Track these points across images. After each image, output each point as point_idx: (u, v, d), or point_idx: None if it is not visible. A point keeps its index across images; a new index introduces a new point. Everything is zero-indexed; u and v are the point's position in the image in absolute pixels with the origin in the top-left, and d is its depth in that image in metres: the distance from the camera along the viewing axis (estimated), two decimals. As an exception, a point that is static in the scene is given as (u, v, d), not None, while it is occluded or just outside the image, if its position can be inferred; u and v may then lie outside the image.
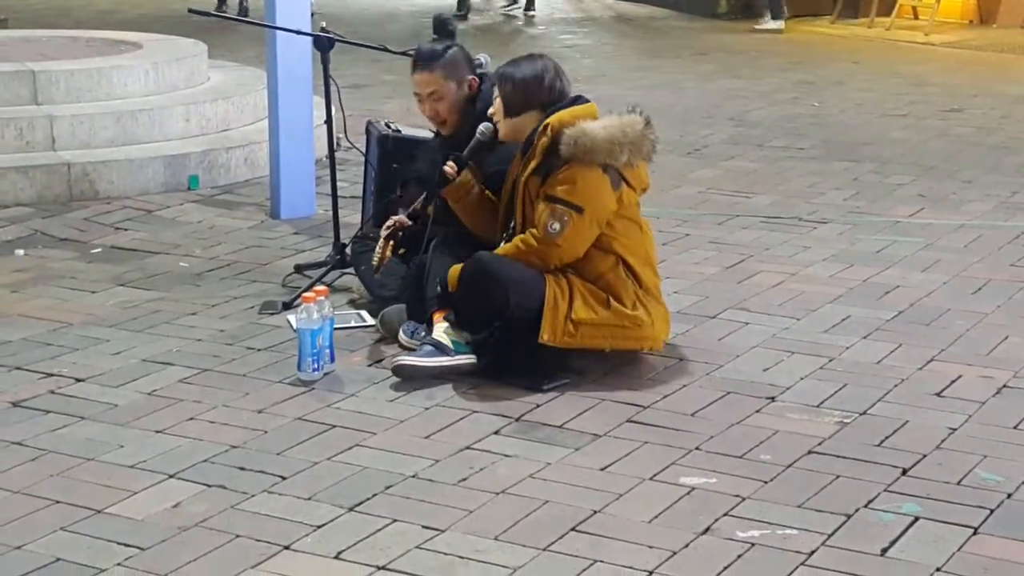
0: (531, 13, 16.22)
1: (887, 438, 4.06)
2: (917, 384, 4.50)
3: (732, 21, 15.73)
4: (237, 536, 3.42)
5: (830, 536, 3.45)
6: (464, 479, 3.76)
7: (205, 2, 13.54)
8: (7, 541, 3.38)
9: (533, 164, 4.47)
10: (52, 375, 4.52)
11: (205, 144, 7.44)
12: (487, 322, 4.42)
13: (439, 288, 4.56)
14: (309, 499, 3.63)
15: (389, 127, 5.52)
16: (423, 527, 3.47)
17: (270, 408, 4.25)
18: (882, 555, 3.36)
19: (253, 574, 3.25)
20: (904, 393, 4.42)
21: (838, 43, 14.08)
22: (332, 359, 4.54)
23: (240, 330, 4.98)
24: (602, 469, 3.84)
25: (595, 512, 3.57)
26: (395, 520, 3.51)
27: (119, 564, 3.28)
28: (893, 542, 3.42)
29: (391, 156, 5.41)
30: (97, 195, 6.91)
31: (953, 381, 4.52)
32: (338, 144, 6.18)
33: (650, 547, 3.38)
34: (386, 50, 5.73)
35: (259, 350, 4.77)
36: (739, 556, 3.35)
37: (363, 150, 5.76)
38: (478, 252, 4.46)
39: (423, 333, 4.66)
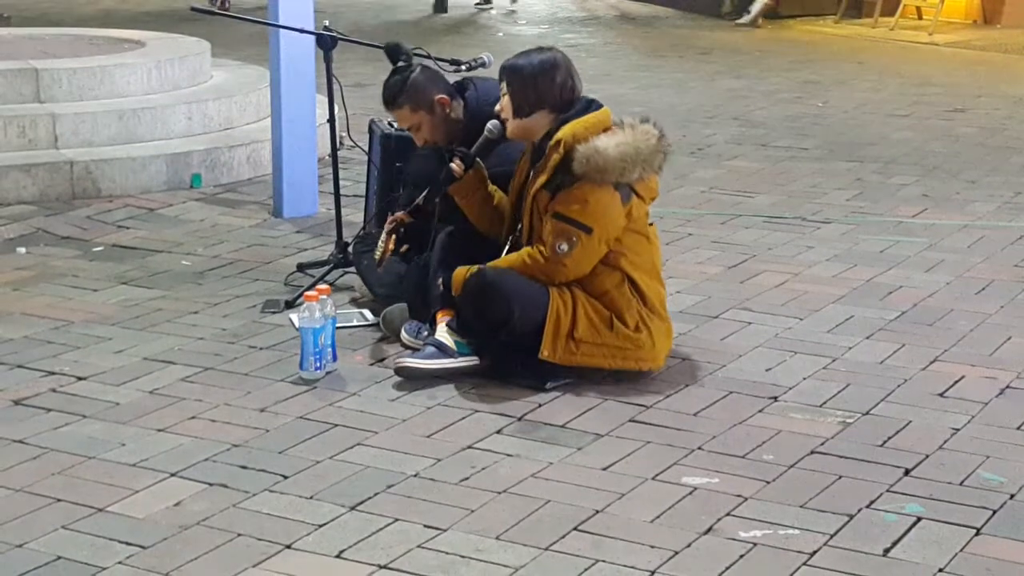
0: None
1: (890, 438, 4.05)
2: (920, 384, 4.50)
3: (736, 20, 15.71)
4: (239, 535, 3.42)
5: (832, 536, 3.44)
6: (466, 478, 3.76)
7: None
8: (8, 539, 3.38)
9: (543, 179, 4.39)
10: (54, 373, 4.52)
11: (208, 142, 7.44)
12: (490, 334, 4.40)
13: (441, 288, 4.55)
14: (311, 498, 3.63)
15: (392, 126, 5.52)
16: (425, 526, 3.47)
17: (272, 407, 4.25)
18: (884, 555, 3.36)
19: (254, 573, 3.25)
20: (907, 393, 4.41)
21: (842, 43, 14.08)
22: (334, 358, 4.54)
23: (242, 329, 4.98)
24: (604, 469, 3.84)
25: (597, 512, 3.56)
26: (397, 519, 3.51)
27: (120, 562, 3.28)
28: (895, 542, 3.42)
29: (394, 155, 5.41)
30: (99, 193, 6.92)
31: (956, 381, 4.52)
32: (341, 143, 6.19)
33: (652, 547, 3.38)
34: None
35: (261, 349, 4.77)
36: (741, 556, 3.34)
37: (366, 149, 5.75)
38: (483, 267, 4.42)
39: (425, 332, 4.66)
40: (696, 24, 15.63)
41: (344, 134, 5.80)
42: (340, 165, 5.77)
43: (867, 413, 4.25)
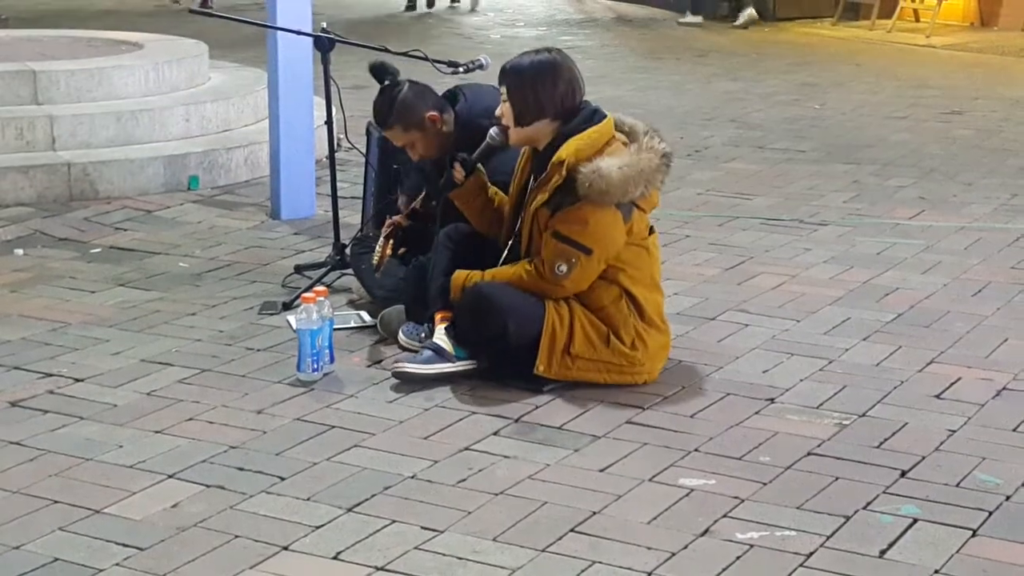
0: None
1: (886, 440, 4.06)
2: (916, 386, 4.50)
3: (733, 23, 15.71)
4: (236, 536, 3.42)
5: (829, 538, 3.45)
6: (463, 480, 3.76)
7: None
8: (6, 541, 3.38)
9: (544, 197, 4.34)
10: (51, 375, 4.52)
11: (205, 144, 7.44)
12: (486, 347, 4.41)
13: (440, 291, 4.55)
14: (308, 500, 3.63)
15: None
16: (422, 528, 3.47)
17: (269, 408, 4.25)
18: (881, 557, 3.36)
19: (252, 574, 3.25)
20: (903, 395, 4.42)
21: (839, 45, 14.08)
22: (331, 360, 4.54)
23: (240, 330, 4.98)
24: (601, 470, 3.84)
25: (594, 513, 3.57)
26: (394, 521, 3.51)
27: (117, 564, 3.28)
28: (892, 544, 3.42)
29: (391, 157, 5.41)
30: (97, 195, 6.92)
31: (952, 383, 4.52)
32: (338, 145, 6.18)
33: (649, 548, 3.38)
34: (387, 51, 5.73)
35: (258, 350, 4.77)
36: (738, 558, 3.35)
37: (363, 151, 5.76)
38: (479, 282, 4.41)
39: (423, 334, 4.66)
40: (693, 26, 15.61)
41: (342, 136, 5.80)
42: (338, 167, 5.77)
43: (863, 415, 4.25)
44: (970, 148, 8.66)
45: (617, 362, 4.38)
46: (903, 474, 3.82)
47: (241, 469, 3.81)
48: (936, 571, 3.30)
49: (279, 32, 6.22)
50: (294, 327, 4.73)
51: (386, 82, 4.96)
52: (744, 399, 4.37)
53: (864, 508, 3.61)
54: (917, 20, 15.33)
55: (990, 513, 3.59)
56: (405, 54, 5.50)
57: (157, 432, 4.06)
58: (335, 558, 3.33)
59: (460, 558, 3.33)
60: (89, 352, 4.74)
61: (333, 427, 4.12)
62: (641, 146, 4.34)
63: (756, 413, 4.26)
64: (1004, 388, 4.49)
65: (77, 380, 4.48)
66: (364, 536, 3.43)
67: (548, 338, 4.32)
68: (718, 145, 8.67)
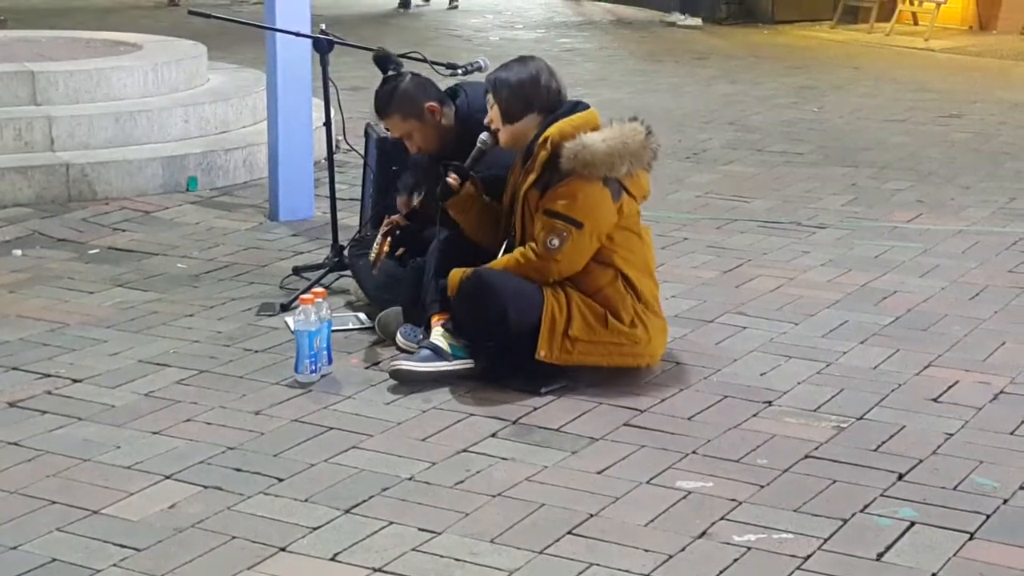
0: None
1: (884, 443, 4.06)
2: (914, 389, 4.50)
3: (732, 26, 15.74)
4: (233, 537, 3.42)
5: (826, 541, 3.45)
6: (461, 482, 3.76)
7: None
8: (3, 541, 3.38)
9: (532, 177, 4.42)
10: (49, 376, 4.52)
11: (204, 146, 7.45)
12: (486, 335, 4.41)
13: (437, 293, 4.56)
14: (306, 501, 3.63)
15: (388, 129, 5.52)
16: (419, 529, 3.47)
17: (267, 410, 4.25)
18: (878, 560, 3.37)
19: (249, 575, 3.25)
20: (901, 398, 4.42)
21: (838, 48, 14.10)
22: (329, 361, 4.54)
23: (238, 332, 4.98)
24: (599, 472, 3.84)
25: (591, 515, 3.57)
26: (391, 522, 3.51)
27: (115, 565, 3.28)
28: (889, 547, 3.42)
29: (390, 158, 5.41)
30: (95, 196, 6.92)
31: (950, 386, 4.53)
32: (337, 146, 6.19)
33: (646, 551, 3.38)
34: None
35: (257, 352, 4.77)
36: (735, 560, 3.35)
37: (362, 152, 5.76)
38: (478, 268, 4.43)
39: (420, 336, 4.67)
40: (692, 29, 15.63)
41: (340, 137, 5.80)
42: (336, 168, 5.77)
43: (861, 418, 4.25)
44: (968, 151, 8.66)
45: (617, 342, 4.39)
46: (900, 477, 3.82)
47: (239, 470, 3.81)
48: (933, 574, 3.30)
49: (278, 33, 6.22)
50: (292, 328, 4.73)
51: (389, 72, 4.99)
52: (742, 401, 4.37)
53: (861, 511, 3.61)
54: (916, 23, 15.35)
55: (987, 516, 3.59)
56: (405, 56, 5.50)
57: (155, 433, 4.06)
58: (333, 559, 3.33)
59: (458, 560, 3.33)
60: (87, 353, 4.74)
61: (331, 428, 4.12)
62: (624, 126, 4.42)
63: (754, 415, 4.26)
64: (1001, 391, 4.50)
65: (75, 381, 4.48)
66: (362, 537, 3.43)
67: (548, 323, 4.33)
68: (716, 148, 8.67)
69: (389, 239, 4.81)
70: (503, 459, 3.92)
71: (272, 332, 4.97)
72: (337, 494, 3.67)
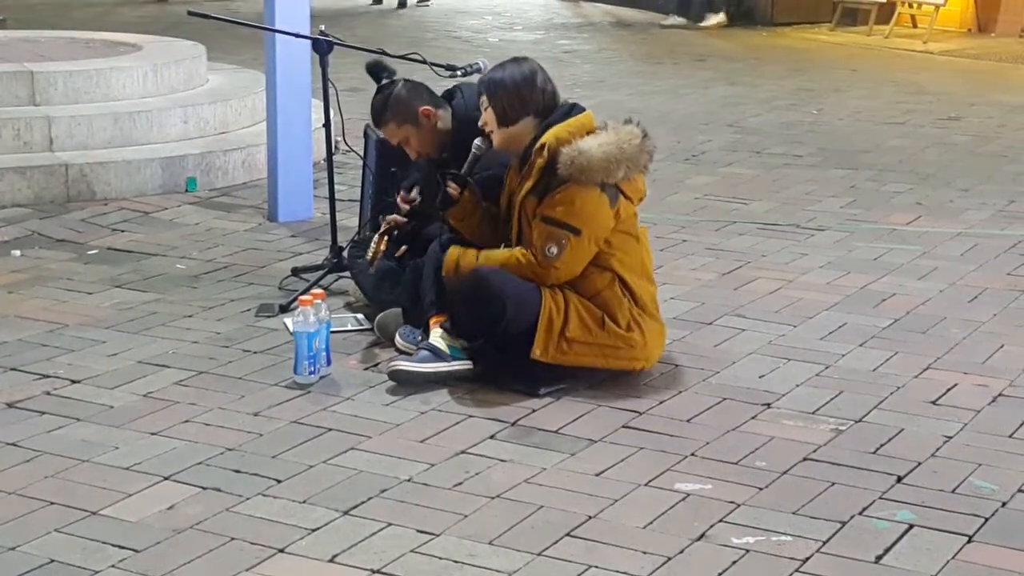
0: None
1: (882, 446, 4.06)
2: (913, 392, 4.51)
3: (731, 28, 15.74)
4: (232, 539, 3.42)
5: (825, 543, 3.45)
6: (459, 483, 3.76)
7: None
8: (2, 542, 3.38)
9: (529, 184, 4.41)
10: (48, 376, 4.52)
11: (203, 146, 7.45)
12: (484, 333, 4.42)
13: (436, 293, 4.55)
14: (304, 502, 3.63)
15: (386, 137, 5.51)
16: (418, 531, 3.47)
17: (266, 411, 4.25)
18: (876, 562, 3.37)
19: (247, 577, 3.25)
20: (899, 401, 4.42)
21: (836, 51, 14.10)
22: (328, 362, 4.54)
23: (236, 333, 4.98)
24: (597, 474, 3.84)
25: (590, 517, 3.57)
26: (390, 524, 3.51)
27: (113, 566, 3.28)
28: (888, 549, 3.42)
29: (389, 159, 5.41)
30: (94, 196, 6.92)
31: (949, 389, 4.53)
32: (336, 147, 6.19)
33: (645, 553, 3.38)
34: (385, 54, 5.73)
35: (255, 353, 4.77)
36: (734, 562, 3.35)
37: (361, 153, 5.76)
38: (478, 267, 4.42)
39: (419, 337, 4.67)
40: (691, 31, 15.63)
41: (339, 139, 5.80)
42: (335, 170, 5.77)
43: (860, 420, 4.25)
44: (967, 154, 8.67)
45: (613, 344, 4.39)
46: (899, 480, 3.82)
47: (237, 471, 3.81)
48: (932, 577, 3.31)
49: (277, 34, 6.22)
50: (291, 329, 4.73)
51: (383, 80, 5.00)
52: (740, 404, 4.37)
53: (860, 513, 3.61)
54: (914, 26, 15.35)
55: (986, 519, 3.59)
56: (404, 57, 5.52)
57: (153, 434, 4.06)
58: (331, 561, 3.33)
59: (456, 561, 3.33)
60: (86, 353, 4.74)
61: (330, 430, 4.12)
62: (620, 130, 4.41)
63: (752, 418, 4.26)
64: (1000, 394, 4.50)
65: (74, 381, 4.48)
66: (360, 539, 3.43)
67: (545, 323, 4.33)
68: (715, 150, 8.67)
69: (386, 239, 4.81)
70: (502, 461, 3.92)
71: (271, 333, 4.97)
72: (336, 495, 3.67)
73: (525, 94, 4.48)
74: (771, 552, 3.40)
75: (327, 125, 5.72)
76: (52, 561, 3.30)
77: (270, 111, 6.59)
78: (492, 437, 4.09)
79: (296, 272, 5.62)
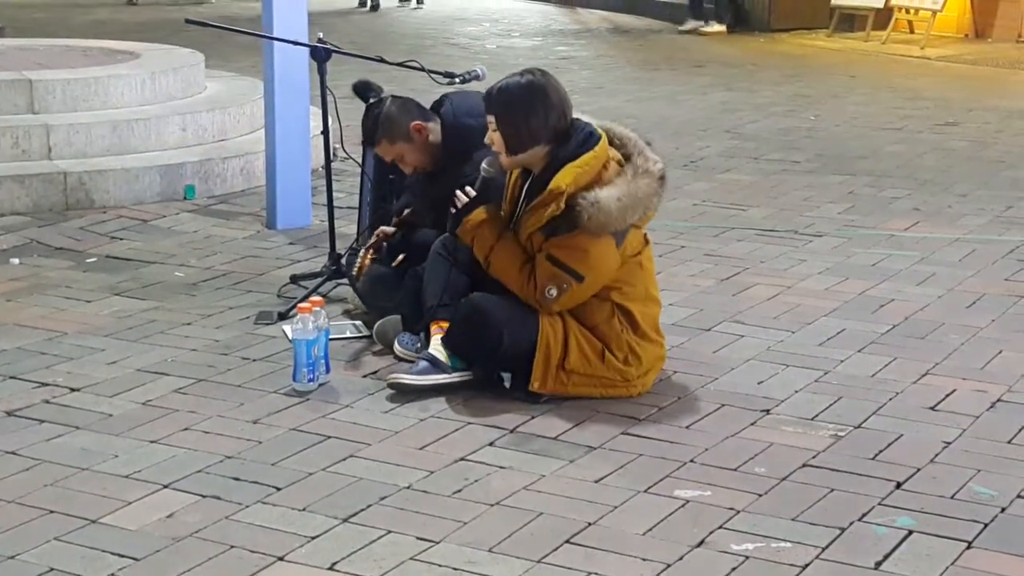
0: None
1: (881, 451, 4.06)
2: (911, 398, 4.51)
3: (729, 34, 15.75)
4: (231, 547, 3.42)
5: (824, 549, 3.45)
6: (458, 491, 3.76)
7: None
8: (1, 551, 3.38)
9: (538, 223, 4.32)
10: (47, 384, 4.52)
11: (201, 154, 7.45)
12: (481, 360, 4.41)
13: (435, 305, 4.53)
14: (303, 510, 3.63)
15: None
16: (417, 538, 3.47)
17: (265, 418, 4.25)
18: (876, 568, 3.37)
19: (247, 585, 3.25)
20: (898, 407, 4.43)
21: (834, 56, 14.10)
22: (327, 370, 4.54)
23: (235, 340, 4.98)
24: (596, 481, 3.84)
25: (589, 524, 3.57)
26: (389, 531, 3.51)
27: (113, 574, 3.28)
28: (887, 556, 3.43)
29: (387, 167, 5.41)
30: (93, 204, 6.92)
31: (947, 395, 4.53)
32: (334, 154, 6.19)
33: (644, 559, 3.38)
34: (383, 61, 5.74)
35: (254, 360, 4.77)
36: (733, 569, 3.35)
37: (359, 161, 5.76)
38: (472, 295, 4.41)
39: (419, 345, 4.66)
40: (688, 37, 15.64)
41: (338, 146, 5.80)
42: (334, 177, 5.76)
43: (859, 426, 4.26)
44: (965, 160, 8.67)
45: (611, 377, 4.38)
46: (898, 486, 3.82)
47: (237, 479, 3.81)
48: (931, 583, 3.31)
49: (275, 42, 6.22)
50: (290, 337, 4.73)
51: (370, 100, 5.02)
52: (739, 410, 4.37)
53: (859, 520, 3.61)
54: (912, 32, 15.36)
55: (985, 525, 3.60)
56: (402, 65, 5.52)
57: (153, 442, 4.06)
58: (331, 568, 3.33)
59: (455, 569, 3.33)
60: (85, 362, 4.74)
61: (329, 437, 4.12)
62: (636, 170, 4.33)
63: (751, 424, 4.26)
64: (999, 400, 4.50)
65: (73, 390, 4.48)
66: (360, 546, 3.43)
67: (543, 354, 4.32)
68: (713, 156, 8.68)
69: (371, 251, 4.82)
70: (501, 468, 3.92)
71: (270, 341, 4.97)
72: (335, 503, 3.67)
73: (533, 124, 4.32)
74: (770, 558, 3.40)
75: (325, 132, 5.71)
76: (52, 570, 3.29)
77: (268, 118, 6.60)
78: (491, 444, 4.09)
79: (295, 279, 5.62)
